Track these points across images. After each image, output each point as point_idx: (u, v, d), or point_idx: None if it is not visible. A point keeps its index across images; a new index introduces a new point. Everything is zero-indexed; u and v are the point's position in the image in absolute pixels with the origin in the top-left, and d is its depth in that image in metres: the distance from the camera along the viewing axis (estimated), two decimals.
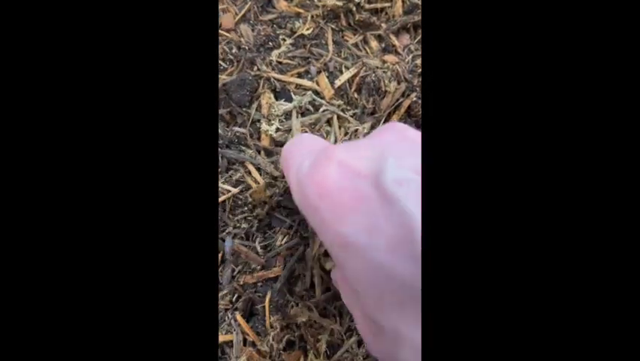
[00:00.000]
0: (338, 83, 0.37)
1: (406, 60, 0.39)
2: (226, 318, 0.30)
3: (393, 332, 0.18)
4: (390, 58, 0.39)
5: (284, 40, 0.38)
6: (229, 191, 0.33)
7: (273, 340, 0.29)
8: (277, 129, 0.35)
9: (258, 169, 0.34)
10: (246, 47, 0.38)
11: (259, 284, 0.31)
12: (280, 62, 0.38)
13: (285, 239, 0.32)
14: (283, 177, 0.33)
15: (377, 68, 0.37)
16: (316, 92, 0.36)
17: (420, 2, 0.41)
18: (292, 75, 0.37)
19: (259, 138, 0.35)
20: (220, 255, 0.31)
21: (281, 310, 0.29)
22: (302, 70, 0.38)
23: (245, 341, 0.29)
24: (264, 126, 0.35)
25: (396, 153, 0.19)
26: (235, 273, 0.31)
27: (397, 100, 0.36)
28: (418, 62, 0.38)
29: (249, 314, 0.31)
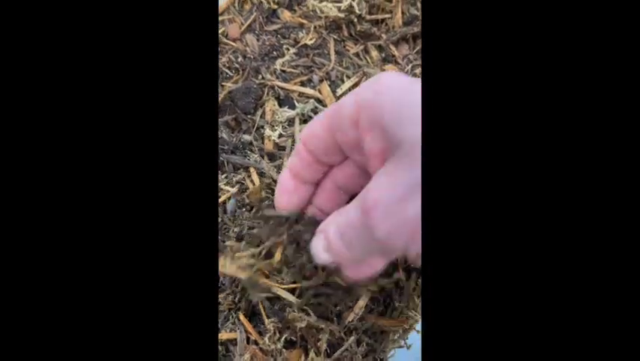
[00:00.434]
0: (340, 91, 0.38)
1: (406, 70, 0.40)
2: (230, 317, 0.31)
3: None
4: (390, 67, 0.40)
5: (288, 49, 0.40)
6: (229, 191, 0.34)
7: (274, 339, 0.30)
8: (280, 135, 0.37)
9: (262, 174, 0.35)
10: (251, 56, 0.40)
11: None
12: (284, 71, 0.39)
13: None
14: None
15: None
16: (318, 100, 0.38)
17: (419, 14, 0.42)
18: (295, 83, 0.38)
19: (263, 144, 0.36)
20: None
21: (278, 314, 0.30)
22: (305, 78, 0.39)
23: (248, 339, 0.31)
24: (267, 132, 0.36)
25: None
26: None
27: None
28: (417, 71, 0.40)
29: (252, 314, 0.32)
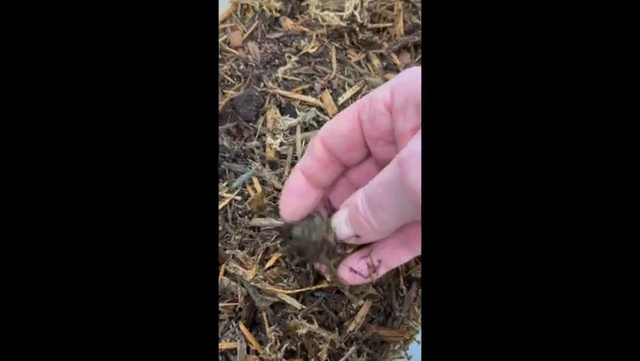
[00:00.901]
0: (341, 100, 0.38)
1: None
2: (230, 326, 0.31)
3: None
4: (391, 76, 0.40)
5: (289, 57, 0.40)
6: (229, 198, 0.34)
7: (274, 349, 0.30)
8: (281, 143, 0.37)
9: (263, 182, 0.35)
10: (253, 64, 0.40)
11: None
12: (286, 79, 0.39)
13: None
14: None
15: (379, 85, 0.39)
16: (320, 109, 0.38)
17: (420, 23, 0.42)
18: (297, 92, 0.39)
19: (264, 152, 0.36)
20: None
21: (280, 322, 0.30)
22: (306, 87, 0.39)
23: (248, 349, 0.30)
24: (269, 140, 0.36)
25: None
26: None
27: None
28: None
29: (252, 323, 0.32)
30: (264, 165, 0.36)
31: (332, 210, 0.30)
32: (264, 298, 0.31)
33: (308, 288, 0.31)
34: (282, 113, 0.38)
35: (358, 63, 0.41)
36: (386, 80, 0.40)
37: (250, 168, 0.34)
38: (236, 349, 0.30)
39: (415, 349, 0.31)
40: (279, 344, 0.30)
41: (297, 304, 0.30)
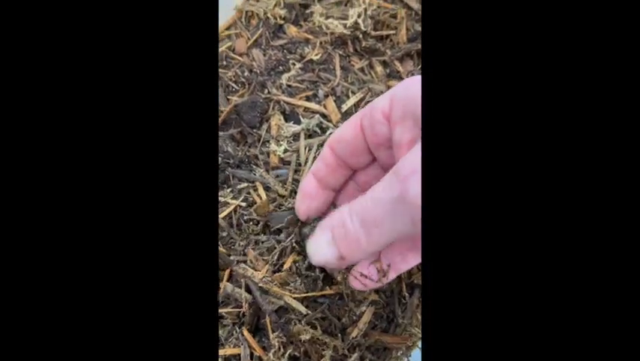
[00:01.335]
0: (345, 107, 0.38)
1: None
2: (234, 332, 0.31)
3: None
4: (394, 83, 0.40)
5: (294, 64, 0.40)
6: (234, 204, 0.34)
7: (278, 355, 0.30)
8: (285, 150, 0.37)
9: (267, 188, 0.35)
10: (258, 71, 0.40)
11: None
12: (290, 86, 0.39)
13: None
14: (290, 195, 0.35)
15: (382, 92, 0.39)
16: (323, 116, 0.38)
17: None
18: (301, 98, 0.39)
19: (268, 158, 0.37)
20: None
21: (283, 327, 0.30)
22: (310, 93, 0.39)
23: (252, 354, 0.31)
24: (272, 147, 0.37)
25: None
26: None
27: None
28: None
29: (256, 329, 0.32)
30: (268, 172, 0.36)
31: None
32: (271, 301, 0.31)
33: (314, 293, 0.31)
34: (286, 120, 0.38)
35: (362, 70, 0.41)
36: (389, 87, 0.40)
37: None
38: (239, 355, 0.30)
39: (417, 355, 0.32)
40: (282, 349, 0.30)
41: (302, 308, 0.31)
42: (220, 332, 0.31)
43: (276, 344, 0.30)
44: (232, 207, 0.34)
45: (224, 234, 0.34)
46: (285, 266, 0.32)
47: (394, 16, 0.42)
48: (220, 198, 0.35)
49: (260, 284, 0.32)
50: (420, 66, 0.42)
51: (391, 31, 0.42)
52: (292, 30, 0.42)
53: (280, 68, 0.40)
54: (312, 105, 0.38)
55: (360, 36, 0.41)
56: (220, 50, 0.41)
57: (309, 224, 0.30)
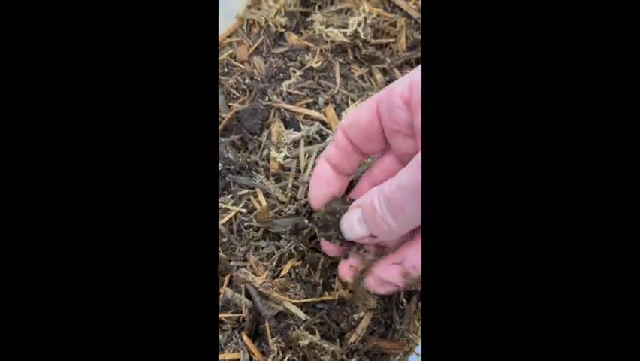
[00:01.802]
0: (344, 114, 0.39)
1: None
2: (233, 337, 0.32)
3: None
4: None
5: (294, 72, 0.41)
6: (235, 211, 0.35)
7: (277, 360, 0.30)
8: (285, 157, 0.37)
9: (267, 194, 0.36)
10: (259, 78, 0.41)
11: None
12: (290, 93, 0.40)
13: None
14: (290, 202, 0.35)
15: None
16: (323, 123, 0.38)
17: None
18: (301, 105, 0.39)
19: (269, 164, 0.37)
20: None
21: (282, 333, 0.31)
22: (310, 101, 0.40)
23: (251, 359, 0.31)
24: (273, 153, 0.37)
25: None
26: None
27: None
28: None
29: (255, 334, 0.32)
30: (268, 178, 0.37)
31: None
32: (270, 306, 0.31)
33: (313, 299, 0.31)
34: (286, 127, 0.39)
35: (361, 78, 0.42)
36: None
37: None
38: (239, 359, 0.31)
39: None
40: (281, 355, 0.31)
41: (301, 314, 0.31)
42: (220, 337, 0.32)
43: (275, 349, 0.30)
44: (232, 213, 0.35)
45: (225, 240, 0.34)
46: (284, 272, 0.32)
47: (394, 25, 0.43)
48: (220, 205, 0.35)
49: (260, 289, 0.32)
50: None
51: (391, 40, 0.43)
52: (293, 38, 0.43)
53: (281, 75, 0.41)
54: (312, 112, 0.39)
55: (360, 44, 0.42)
56: (221, 57, 0.42)
57: (339, 202, 0.29)
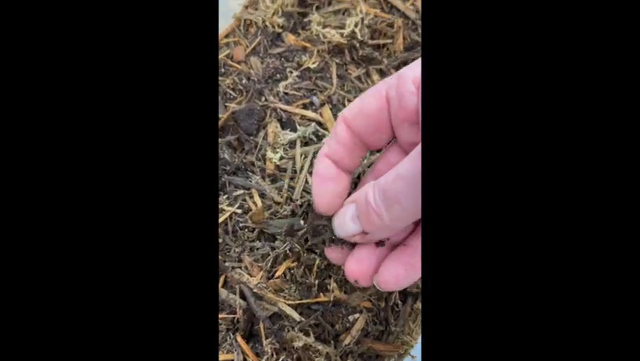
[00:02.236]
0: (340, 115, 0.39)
1: None
2: (227, 338, 0.31)
3: None
4: None
5: (291, 72, 0.41)
6: (230, 211, 0.35)
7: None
8: (281, 157, 0.37)
9: (263, 195, 0.36)
10: (255, 79, 0.40)
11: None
12: (287, 93, 0.40)
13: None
14: (285, 203, 0.35)
15: None
16: (319, 124, 0.38)
17: (420, 39, 0.43)
18: (297, 106, 0.39)
19: (265, 164, 0.37)
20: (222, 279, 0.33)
21: (277, 334, 0.31)
22: (307, 101, 0.40)
23: (245, 360, 0.31)
24: (269, 154, 0.37)
25: None
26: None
27: None
28: None
29: (249, 335, 0.32)
30: (264, 179, 0.37)
31: None
32: (265, 307, 0.31)
33: (308, 300, 0.31)
34: (283, 128, 0.39)
35: (358, 79, 0.42)
36: None
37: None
38: (233, 360, 0.31)
39: None
40: (275, 356, 0.30)
41: (296, 315, 0.31)
42: None
43: (269, 350, 0.30)
44: (228, 213, 0.35)
45: (220, 240, 0.34)
46: (278, 273, 0.32)
47: (391, 26, 0.43)
48: None
49: (254, 290, 0.32)
50: None
51: (388, 40, 0.43)
52: (290, 38, 0.43)
53: (277, 75, 0.41)
54: (309, 113, 0.39)
55: (357, 45, 0.42)
56: (219, 57, 0.42)
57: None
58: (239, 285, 0.32)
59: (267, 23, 0.43)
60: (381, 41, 0.43)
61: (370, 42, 0.42)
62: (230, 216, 0.35)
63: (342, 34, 0.41)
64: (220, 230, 0.35)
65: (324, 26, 0.42)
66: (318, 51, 0.42)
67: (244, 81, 0.40)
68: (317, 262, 0.32)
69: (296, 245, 0.32)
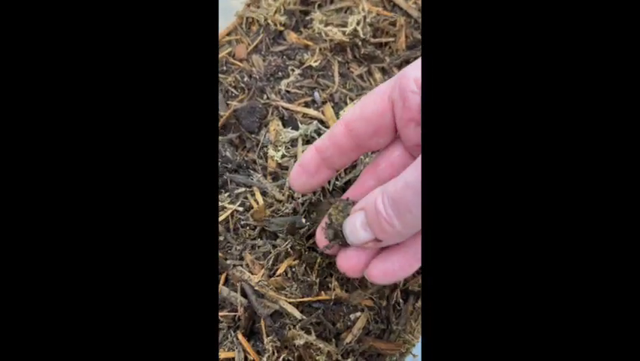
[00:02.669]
0: (342, 113, 0.39)
1: None
2: (229, 336, 0.31)
3: None
4: None
5: (293, 70, 0.41)
6: (232, 209, 0.35)
7: (272, 359, 0.30)
8: (283, 155, 0.37)
9: (264, 193, 0.36)
10: (257, 76, 0.40)
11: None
12: (288, 91, 0.40)
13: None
14: (287, 200, 0.35)
15: None
16: (321, 122, 0.38)
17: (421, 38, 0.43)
18: (299, 104, 0.39)
19: (266, 162, 0.37)
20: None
21: (278, 332, 0.31)
22: (309, 99, 0.40)
23: (246, 358, 0.31)
24: (270, 152, 0.37)
25: None
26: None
27: None
28: None
29: (250, 333, 0.32)
30: (265, 177, 0.36)
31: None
32: (266, 305, 0.31)
33: (309, 298, 0.31)
34: (284, 126, 0.38)
35: (360, 77, 0.42)
36: None
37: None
38: (234, 358, 0.31)
39: None
40: (276, 354, 0.30)
41: (297, 313, 0.31)
42: None
43: (270, 348, 0.30)
44: (229, 211, 0.35)
45: (221, 238, 0.34)
46: (280, 271, 0.32)
47: (393, 24, 0.43)
48: None
49: (256, 288, 0.32)
50: None
51: (390, 39, 0.43)
52: (292, 36, 0.42)
53: (279, 73, 0.41)
54: (311, 111, 0.39)
55: (360, 43, 0.42)
56: (220, 55, 0.42)
57: (335, 205, 0.28)
58: (240, 283, 0.32)
59: (269, 21, 0.43)
60: (384, 40, 0.43)
61: (372, 40, 0.42)
62: (232, 214, 0.35)
63: (344, 33, 0.41)
64: (221, 228, 0.35)
65: (327, 24, 0.42)
66: (320, 49, 0.42)
67: (246, 79, 0.40)
68: (318, 260, 0.32)
69: (297, 243, 0.32)
